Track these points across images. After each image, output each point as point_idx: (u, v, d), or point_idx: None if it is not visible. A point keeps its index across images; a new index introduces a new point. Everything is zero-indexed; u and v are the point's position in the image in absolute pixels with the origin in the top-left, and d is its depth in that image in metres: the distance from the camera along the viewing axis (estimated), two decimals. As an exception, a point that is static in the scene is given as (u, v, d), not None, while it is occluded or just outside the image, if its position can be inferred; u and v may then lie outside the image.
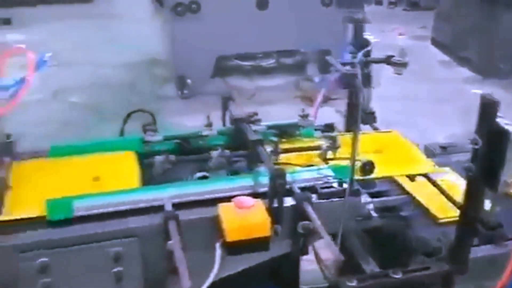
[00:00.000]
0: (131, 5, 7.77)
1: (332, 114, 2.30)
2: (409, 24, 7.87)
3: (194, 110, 5.10)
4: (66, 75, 5.52)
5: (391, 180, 1.89)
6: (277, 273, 2.34)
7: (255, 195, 1.60)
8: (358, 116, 1.60)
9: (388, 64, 1.77)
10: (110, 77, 6.01)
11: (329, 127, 1.98)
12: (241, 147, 1.86)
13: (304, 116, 1.94)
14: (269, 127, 1.91)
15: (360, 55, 1.75)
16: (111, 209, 1.58)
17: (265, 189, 1.63)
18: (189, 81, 5.44)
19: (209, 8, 5.26)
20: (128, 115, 2.17)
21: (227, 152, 1.81)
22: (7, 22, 7.61)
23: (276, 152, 1.76)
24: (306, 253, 1.71)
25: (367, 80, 1.63)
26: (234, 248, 1.52)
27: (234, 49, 5.71)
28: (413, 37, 7.40)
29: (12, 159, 1.79)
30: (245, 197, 1.55)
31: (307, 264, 2.49)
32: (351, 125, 2.16)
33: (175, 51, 5.48)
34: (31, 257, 1.45)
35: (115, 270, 1.51)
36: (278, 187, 1.55)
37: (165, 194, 1.62)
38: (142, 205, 1.60)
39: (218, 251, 1.54)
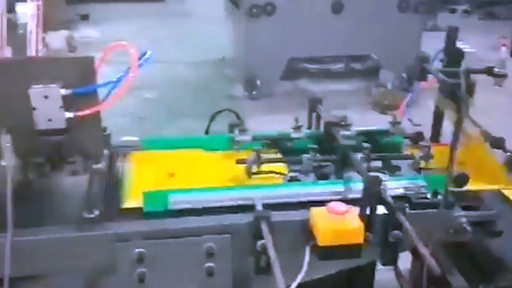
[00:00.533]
0: (202, 5, 7.90)
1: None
2: (486, 34, 7.61)
3: (263, 111, 5.15)
4: (140, 72, 5.67)
5: (482, 192, 1.84)
6: (351, 280, 2.33)
7: (346, 201, 1.59)
8: (461, 127, 1.56)
9: (489, 75, 1.72)
10: (182, 74, 6.14)
11: (419, 136, 1.94)
12: (329, 151, 1.85)
13: (395, 123, 1.92)
14: (359, 133, 1.89)
15: (462, 65, 1.72)
16: (204, 205, 1.62)
17: (356, 195, 1.62)
18: (258, 82, 5.47)
19: (284, 11, 5.28)
20: (216, 114, 2.21)
21: (318, 156, 1.81)
22: (85, 18, 7.92)
23: (367, 159, 1.74)
24: (394, 263, 1.69)
25: (469, 90, 1.59)
26: (324, 253, 1.52)
27: (305, 52, 5.72)
28: (491, 47, 7.16)
29: (109, 152, 1.85)
30: (338, 202, 1.54)
31: (380, 273, 2.47)
32: (437, 135, 2.12)
33: (247, 52, 5.54)
34: (129, 247, 1.50)
35: (207, 265, 1.54)
36: (373, 195, 1.54)
37: (256, 194, 1.64)
38: (233, 203, 1.63)
39: (307, 255, 1.55)
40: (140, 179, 1.77)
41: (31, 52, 1.96)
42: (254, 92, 5.52)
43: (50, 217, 1.58)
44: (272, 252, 1.44)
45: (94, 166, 1.67)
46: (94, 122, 1.69)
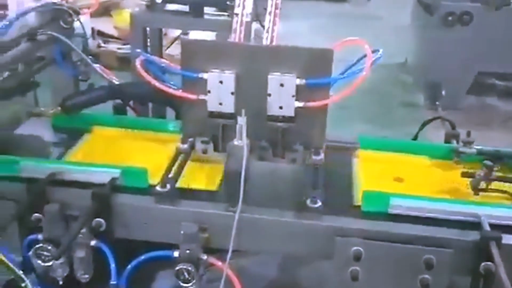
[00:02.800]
0: (386, 8, 7.75)
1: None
2: None
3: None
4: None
5: None
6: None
7: None
8: None
9: None
10: (361, 76, 6.05)
11: None
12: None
13: None
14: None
15: None
16: (427, 214, 1.56)
17: None
18: (443, 92, 5.22)
19: (481, 22, 4.97)
20: (428, 122, 2.14)
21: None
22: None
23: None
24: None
25: None
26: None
27: (496, 67, 5.33)
28: None
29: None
30: None
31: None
32: None
33: (433, 61, 5.30)
34: (347, 243, 1.50)
35: (422, 276, 1.48)
36: None
37: (483, 212, 1.54)
38: (458, 217, 1.55)
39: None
40: (367, 178, 1.77)
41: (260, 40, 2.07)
42: (437, 103, 5.28)
43: (271, 199, 1.64)
44: (504, 278, 1.34)
45: (314, 157, 1.70)
46: (320, 114, 1.71)
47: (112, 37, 5.09)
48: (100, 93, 2.14)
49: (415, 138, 2.12)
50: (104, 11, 5.11)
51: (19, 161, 1.68)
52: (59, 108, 2.06)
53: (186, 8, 2.93)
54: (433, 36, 5.25)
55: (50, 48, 2.10)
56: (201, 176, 1.77)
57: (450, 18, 4.97)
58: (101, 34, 5.06)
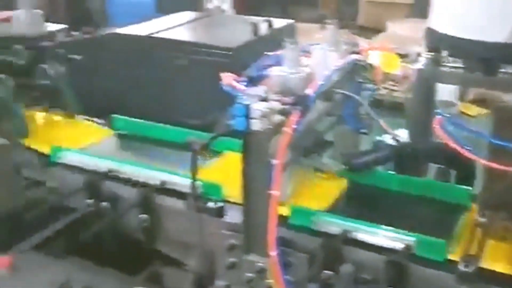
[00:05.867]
0: None
1: None
2: None
3: None
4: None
5: None
6: None
7: None
8: None
9: None
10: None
11: None
12: None
13: None
14: None
15: None
16: None
17: None
18: None
19: None
20: None
21: None
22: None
23: None
24: None
25: None
26: None
27: None
28: None
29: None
30: None
31: None
32: None
33: None
34: None
35: None
36: None
37: None
38: None
39: None
40: None
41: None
42: None
43: None
44: None
45: None
46: None
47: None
48: (385, 153, 2.08)
49: None
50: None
51: (314, 213, 1.71)
52: (344, 165, 2.04)
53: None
54: None
55: (342, 105, 2.11)
56: (503, 257, 1.57)
57: None
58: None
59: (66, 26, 2.50)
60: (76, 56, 2.33)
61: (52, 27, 2.41)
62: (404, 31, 6.03)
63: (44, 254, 1.94)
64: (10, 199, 1.98)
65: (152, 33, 3.09)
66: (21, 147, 2.14)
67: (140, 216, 1.90)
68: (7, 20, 2.35)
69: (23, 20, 2.25)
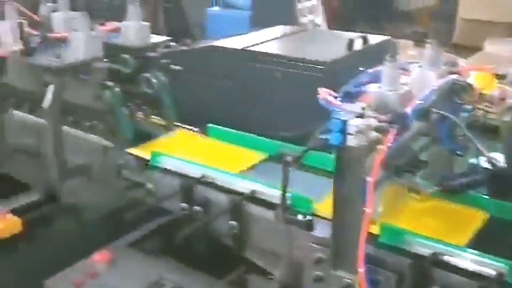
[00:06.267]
0: None
1: None
2: None
3: None
4: None
5: None
6: None
7: None
8: None
9: None
10: None
11: None
12: None
13: None
14: None
15: None
16: None
17: None
18: None
19: None
20: None
21: None
22: None
23: None
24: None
25: None
26: None
27: None
28: None
29: None
30: None
31: None
32: None
33: None
34: None
35: None
36: None
37: None
38: None
39: None
40: None
41: None
42: None
43: None
44: None
45: None
46: None
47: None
48: (481, 177, 2.01)
49: None
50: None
51: (405, 233, 1.69)
52: (437, 187, 2.00)
53: None
54: None
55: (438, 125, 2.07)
56: None
57: None
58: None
59: (168, 38, 2.63)
60: (177, 67, 2.45)
61: (155, 38, 2.54)
62: (502, 51, 5.80)
63: (140, 252, 2.06)
64: (112, 198, 2.11)
65: (248, 46, 3.17)
66: (124, 150, 2.28)
67: (230, 222, 1.96)
68: (115, 30, 2.51)
69: (132, 31, 2.40)
